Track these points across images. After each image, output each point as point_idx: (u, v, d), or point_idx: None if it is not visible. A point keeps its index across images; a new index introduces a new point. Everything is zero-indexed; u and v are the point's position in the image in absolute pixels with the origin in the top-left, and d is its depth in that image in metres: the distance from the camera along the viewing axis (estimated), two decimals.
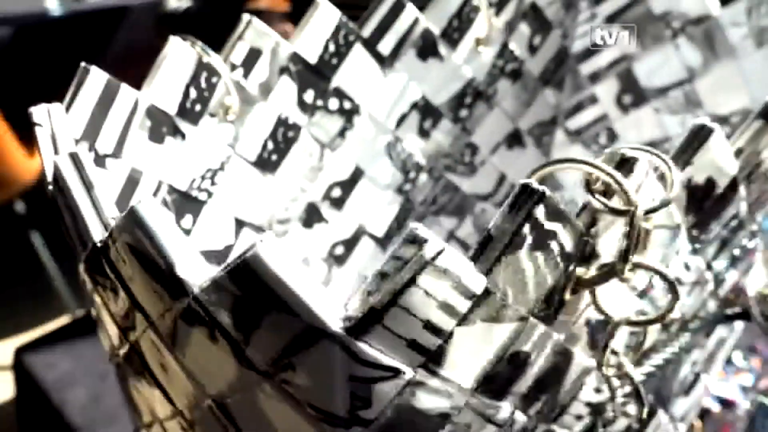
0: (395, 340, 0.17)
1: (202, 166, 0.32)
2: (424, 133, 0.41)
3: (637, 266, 0.20)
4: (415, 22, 0.37)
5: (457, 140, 0.43)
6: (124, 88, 0.27)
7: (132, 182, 0.29)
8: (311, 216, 0.38)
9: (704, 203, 0.24)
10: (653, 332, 0.27)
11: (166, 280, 0.18)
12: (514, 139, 0.43)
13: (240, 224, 0.35)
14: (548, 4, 0.41)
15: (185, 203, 0.32)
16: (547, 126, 0.47)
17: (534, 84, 0.44)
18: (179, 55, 0.29)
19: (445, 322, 0.17)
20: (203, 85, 0.31)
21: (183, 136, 0.31)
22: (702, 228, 0.25)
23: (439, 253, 0.16)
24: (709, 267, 0.28)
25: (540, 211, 0.18)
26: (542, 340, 0.21)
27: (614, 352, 0.23)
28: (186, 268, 0.18)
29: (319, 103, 0.36)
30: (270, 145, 0.35)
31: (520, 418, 0.23)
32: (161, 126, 0.30)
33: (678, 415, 0.34)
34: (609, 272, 0.20)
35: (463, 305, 0.18)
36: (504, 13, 0.40)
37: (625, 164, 0.20)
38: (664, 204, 0.19)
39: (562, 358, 0.23)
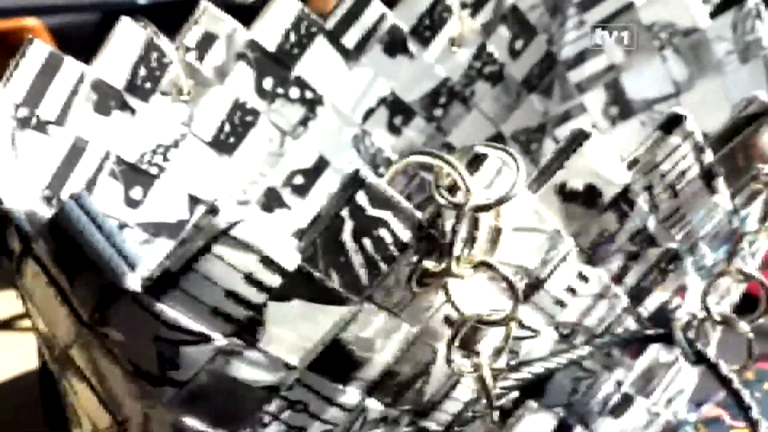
0: (196, 305, 0.18)
1: (153, 141, 0.34)
2: (394, 130, 0.41)
3: (481, 264, 0.20)
4: (382, 17, 0.37)
5: (432, 139, 0.43)
6: (69, 60, 0.29)
7: (77, 150, 0.31)
8: (271, 201, 0.39)
9: (589, 212, 0.23)
10: (546, 340, 0.26)
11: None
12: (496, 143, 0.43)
13: (194, 201, 0.36)
14: (530, 8, 0.41)
15: (135, 175, 0.34)
16: (535, 133, 0.46)
17: (517, 88, 0.43)
18: (128, 34, 0.31)
19: (254, 295, 0.18)
20: (153, 64, 0.32)
21: (132, 111, 0.32)
22: (590, 239, 0.24)
23: (233, 225, 0.17)
24: (618, 281, 0.27)
25: (362, 197, 0.18)
26: (389, 330, 0.21)
27: (476, 353, 0.23)
28: (20, 215, 0.19)
29: (280, 91, 0.37)
30: (227, 128, 0.36)
31: (375, 406, 0.23)
32: (108, 99, 0.31)
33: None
34: (446, 268, 0.20)
35: (273, 281, 0.18)
36: (481, 14, 0.40)
37: (477, 161, 0.20)
38: (500, 201, 0.19)
39: (425, 352, 0.23)
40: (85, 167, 0.32)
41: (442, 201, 0.19)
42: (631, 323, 0.29)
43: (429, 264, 0.20)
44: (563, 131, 0.46)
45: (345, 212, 0.18)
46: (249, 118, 0.36)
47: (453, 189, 0.20)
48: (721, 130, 0.25)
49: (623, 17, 0.40)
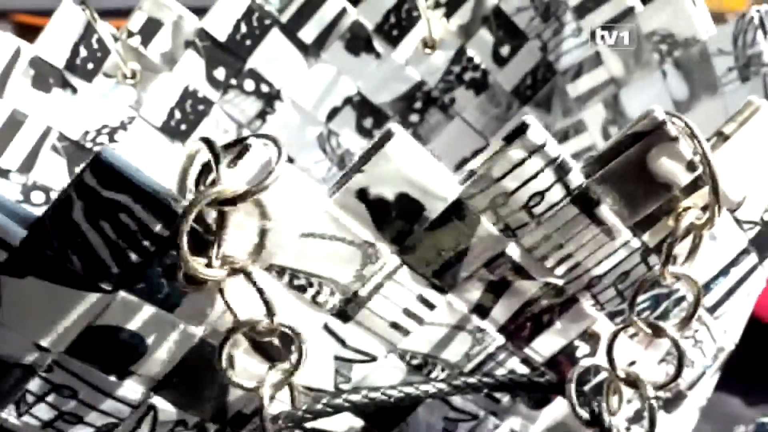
0: None
1: (98, 121, 0.35)
2: (364, 132, 0.39)
3: (238, 270, 0.18)
4: (342, 12, 0.36)
5: None
6: (4, 36, 0.31)
7: (14, 122, 0.33)
8: None
9: (412, 226, 0.20)
10: (390, 368, 0.24)
11: None
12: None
13: None
14: (517, 10, 0.37)
15: (79, 153, 0.35)
16: None
17: (507, 99, 0.40)
18: (68, 15, 0.32)
19: None
20: (95, 45, 0.33)
21: (74, 89, 0.34)
22: (424, 257, 0.21)
23: None
24: (483, 314, 0.23)
25: (89, 177, 0.17)
26: (161, 327, 0.20)
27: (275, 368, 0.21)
28: None
29: (233, 82, 0.37)
30: (177, 114, 0.36)
31: (165, 406, 0.22)
32: (47, 77, 0.33)
33: None
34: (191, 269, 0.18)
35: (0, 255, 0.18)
36: (457, 15, 0.37)
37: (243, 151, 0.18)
38: (249, 194, 0.17)
39: (203, 355, 0.21)
40: (24, 140, 0.33)
41: (192, 192, 0.18)
42: (518, 366, 0.25)
43: (196, 262, 0.19)
44: (566, 149, 0.42)
45: (72, 190, 0.17)
46: (201, 107, 0.36)
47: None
48: (603, 149, 0.21)
49: (623, 24, 0.36)
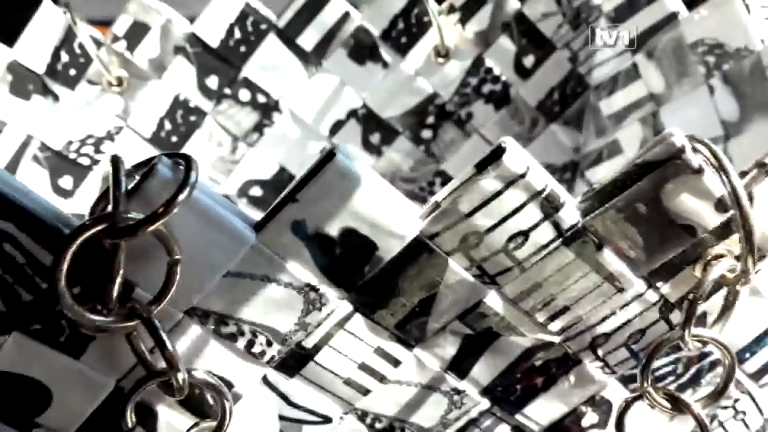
0: None
1: (82, 130, 0.33)
2: (372, 148, 0.36)
3: (136, 317, 0.15)
4: (345, 17, 0.33)
5: (422, 165, 0.37)
6: None
7: None
8: None
9: (363, 267, 0.17)
10: (346, 431, 0.20)
11: None
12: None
13: None
14: (543, 16, 0.33)
15: (62, 163, 0.33)
16: (562, 172, 0.38)
17: (532, 115, 0.36)
18: (48, 18, 0.30)
19: None
20: (77, 50, 0.31)
21: (56, 97, 0.32)
22: (386, 307, 0.17)
23: None
24: (461, 373, 0.19)
25: None
26: (64, 374, 0.17)
27: None
28: None
29: (227, 91, 0.34)
30: (167, 125, 0.34)
31: None
32: (26, 83, 0.31)
33: None
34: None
35: None
36: (474, 21, 0.33)
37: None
38: (143, 223, 0.14)
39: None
40: (2, 149, 0.31)
41: (86, 221, 0.15)
42: None
43: (87, 316, 0.16)
44: (595, 174, 0.37)
45: None
46: (192, 118, 0.34)
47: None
48: (607, 180, 0.17)
49: (665, 31, 0.31)
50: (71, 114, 0.32)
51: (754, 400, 0.24)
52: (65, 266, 0.14)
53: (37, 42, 0.30)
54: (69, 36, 0.31)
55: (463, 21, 0.33)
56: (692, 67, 0.31)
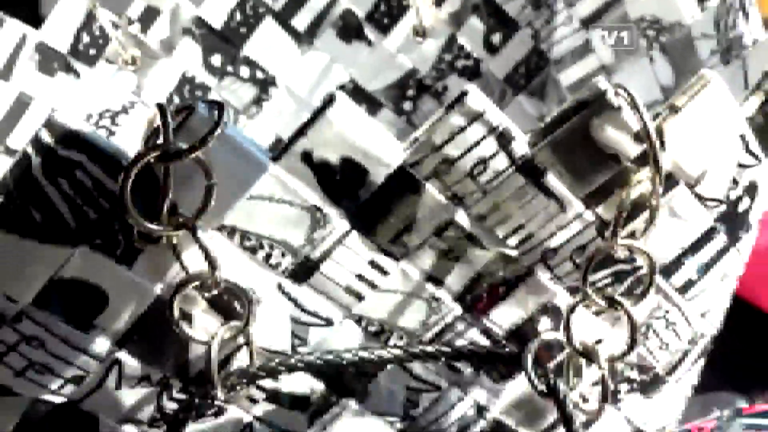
0: None
1: (100, 105, 0.37)
2: None
3: (182, 226, 0.19)
4: (334, 1, 0.37)
5: (404, 134, 0.41)
6: (10, 22, 0.33)
7: (21, 105, 0.35)
8: None
9: (357, 191, 0.21)
10: (346, 334, 0.24)
11: None
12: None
13: None
14: None
15: None
16: None
17: (501, 87, 0.40)
18: (70, 3, 0.34)
19: None
20: (96, 32, 0.35)
21: (77, 74, 0.36)
22: (377, 224, 0.22)
23: None
24: (438, 283, 0.24)
25: (45, 134, 0.19)
26: (123, 283, 0.21)
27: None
28: None
29: (229, 69, 0.38)
30: (176, 100, 0.38)
31: (130, 361, 0.23)
32: (52, 61, 0.35)
33: None
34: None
35: None
36: (447, 3, 0.38)
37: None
38: (191, 150, 0.18)
39: (161, 311, 0.22)
40: (29, 121, 0.35)
41: (142, 150, 0.19)
42: (478, 338, 0.26)
43: (146, 224, 0.20)
44: None
45: (29, 147, 0.19)
46: (199, 93, 0.38)
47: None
48: (549, 119, 0.22)
49: (613, 11, 0.36)
50: (91, 89, 0.36)
51: (682, 312, 0.28)
52: (130, 182, 0.18)
53: (61, 25, 0.34)
54: (89, 20, 0.35)
55: (438, 3, 0.38)
56: (636, 40, 0.35)
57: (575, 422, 0.23)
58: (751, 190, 0.26)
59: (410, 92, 0.40)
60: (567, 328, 0.24)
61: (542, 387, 0.24)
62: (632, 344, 0.24)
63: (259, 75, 0.39)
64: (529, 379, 0.25)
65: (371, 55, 0.39)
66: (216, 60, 0.38)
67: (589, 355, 0.24)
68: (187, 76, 0.38)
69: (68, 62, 0.35)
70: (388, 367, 0.25)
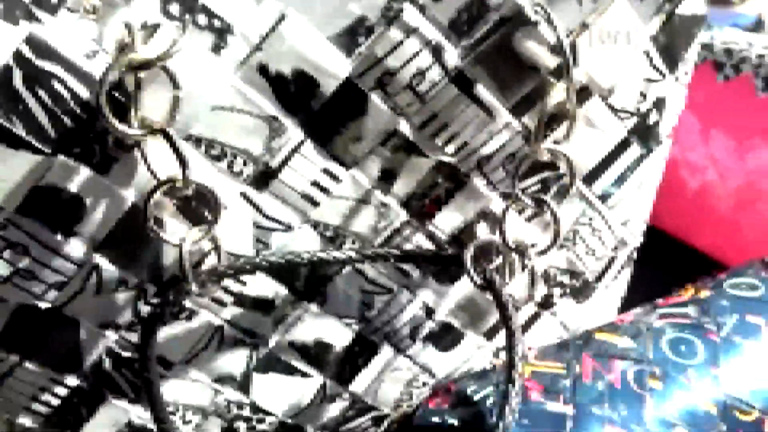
0: None
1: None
2: None
3: (157, 131, 0.22)
4: None
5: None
6: None
7: None
8: None
9: (310, 102, 0.24)
10: (304, 238, 0.27)
11: None
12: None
13: None
14: None
15: None
16: None
17: (445, 33, 0.43)
18: None
19: None
20: None
21: (40, 21, 0.37)
22: (329, 134, 0.25)
23: None
24: (385, 190, 0.27)
25: (24, 47, 0.21)
26: (98, 190, 0.24)
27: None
28: None
29: (187, 17, 0.40)
30: None
31: (107, 266, 0.25)
32: (14, 8, 0.36)
33: (433, 368, 0.32)
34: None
35: None
36: None
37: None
38: (158, 59, 0.20)
39: (136, 218, 0.24)
40: None
41: (113, 58, 0.21)
42: (424, 242, 0.29)
43: (120, 127, 0.22)
44: None
45: (10, 60, 0.21)
46: None
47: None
48: (476, 36, 0.24)
49: None
50: (52, 35, 0.38)
51: (605, 219, 0.32)
52: (106, 88, 0.21)
53: None
54: None
55: None
56: None
57: (513, 321, 0.26)
58: (659, 104, 0.29)
59: (361, 39, 0.42)
60: (501, 227, 0.28)
61: (480, 281, 0.28)
62: (556, 237, 0.27)
63: (217, 23, 0.41)
64: (469, 274, 0.28)
65: (323, 3, 0.41)
66: (174, 8, 0.40)
67: (520, 250, 0.28)
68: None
69: (30, 10, 0.37)
70: (344, 271, 0.28)
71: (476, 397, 0.26)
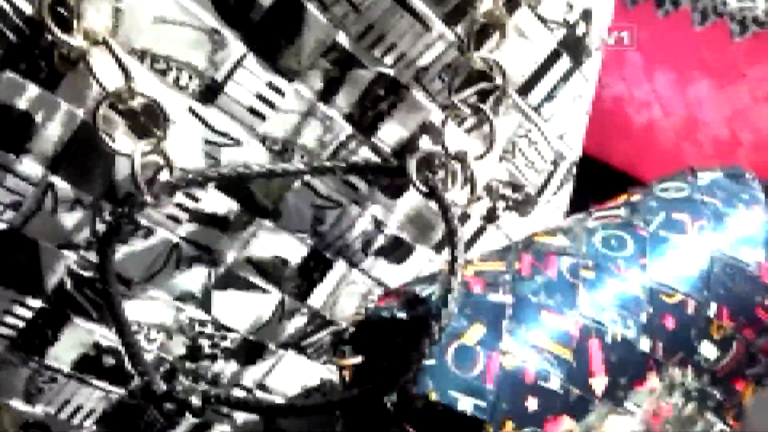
0: None
1: None
2: None
3: (100, 43, 0.23)
4: None
5: None
6: None
7: None
8: None
9: (249, 14, 0.25)
10: (253, 153, 0.28)
11: None
12: None
13: None
14: None
15: None
16: None
17: None
18: None
19: None
20: None
21: None
22: (270, 46, 0.26)
23: None
24: (327, 102, 0.28)
25: None
26: (45, 105, 0.24)
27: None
28: None
29: None
30: None
31: (62, 184, 0.26)
32: None
33: (386, 281, 0.34)
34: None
35: None
36: None
37: None
38: None
39: (87, 134, 0.25)
40: None
41: None
42: (370, 156, 0.30)
43: (63, 37, 0.23)
44: None
45: None
46: None
47: None
48: None
49: None
50: None
51: (541, 132, 0.34)
52: (48, 1, 0.21)
53: None
54: None
55: None
56: None
57: (454, 222, 0.28)
58: (586, 15, 0.31)
59: None
60: (441, 136, 0.29)
61: (424, 189, 0.29)
62: (491, 143, 0.29)
63: None
64: (413, 183, 0.29)
65: None
66: None
67: (460, 158, 0.29)
68: None
69: None
70: (295, 185, 0.30)
71: (423, 294, 0.28)
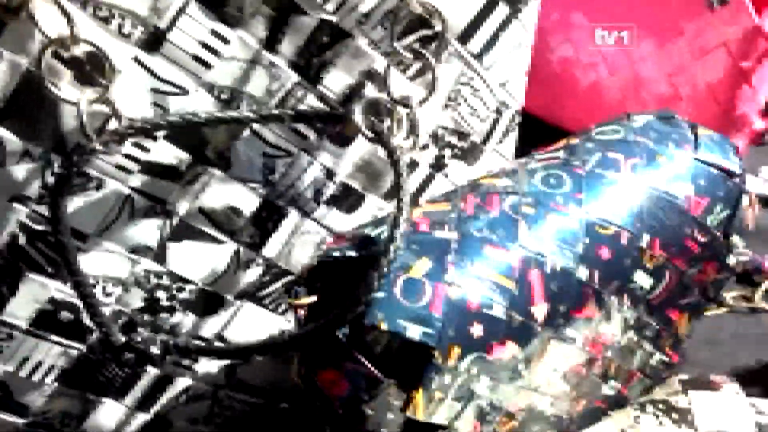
0: None
1: None
2: None
3: None
4: None
5: None
6: None
7: None
8: None
9: None
10: (201, 102, 0.29)
11: None
12: None
13: None
14: None
15: None
16: None
17: None
18: None
19: None
20: None
21: None
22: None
23: None
24: (271, 49, 0.28)
25: None
26: None
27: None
28: None
29: None
30: None
31: (9, 136, 0.26)
32: None
33: (338, 230, 0.35)
34: None
35: None
36: None
37: None
38: None
39: (33, 84, 0.25)
40: None
41: None
42: (316, 104, 0.31)
43: None
44: None
45: None
46: None
47: None
48: None
49: None
50: None
51: (483, 80, 0.35)
52: None
53: None
54: None
55: None
56: None
57: (400, 165, 0.29)
58: None
59: None
60: (385, 82, 0.30)
61: (371, 135, 0.30)
62: (434, 87, 0.30)
63: None
64: (359, 129, 0.30)
65: None
66: None
67: (404, 102, 0.30)
68: None
69: None
70: (244, 135, 0.30)
71: (372, 234, 0.29)
